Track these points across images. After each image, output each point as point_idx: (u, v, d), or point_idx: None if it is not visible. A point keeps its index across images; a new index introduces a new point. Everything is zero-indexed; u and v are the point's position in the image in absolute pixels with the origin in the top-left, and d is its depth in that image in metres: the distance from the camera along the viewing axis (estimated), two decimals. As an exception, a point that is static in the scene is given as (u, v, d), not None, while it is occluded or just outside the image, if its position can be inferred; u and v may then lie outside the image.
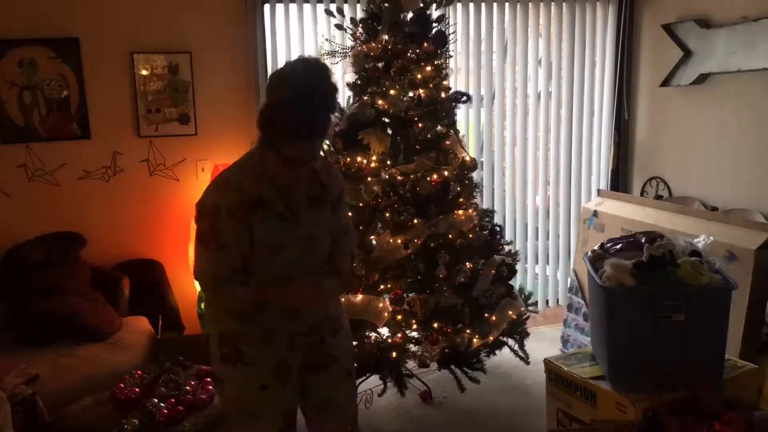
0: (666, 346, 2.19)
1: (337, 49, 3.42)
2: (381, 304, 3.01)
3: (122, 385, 2.62)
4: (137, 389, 2.59)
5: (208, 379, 2.70)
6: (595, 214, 3.88)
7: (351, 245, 2.23)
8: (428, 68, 3.12)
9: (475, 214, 3.20)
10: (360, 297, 3.01)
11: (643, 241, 2.38)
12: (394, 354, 3.02)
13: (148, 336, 3.32)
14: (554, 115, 4.50)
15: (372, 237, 3.06)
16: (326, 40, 3.90)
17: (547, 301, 4.69)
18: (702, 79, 3.90)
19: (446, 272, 3.06)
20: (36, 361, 2.85)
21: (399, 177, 3.07)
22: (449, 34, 3.28)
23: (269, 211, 1.88)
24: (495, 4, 4.26)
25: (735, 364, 2.38)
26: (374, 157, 3.07)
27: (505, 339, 3.31)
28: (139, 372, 2.75)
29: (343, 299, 3.00)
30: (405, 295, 3.07)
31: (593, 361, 2.45)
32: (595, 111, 4.62)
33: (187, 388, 2.63)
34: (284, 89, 1.79)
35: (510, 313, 3.16)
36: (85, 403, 2.56)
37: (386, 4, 3.15)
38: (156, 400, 2.51)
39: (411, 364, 3.13)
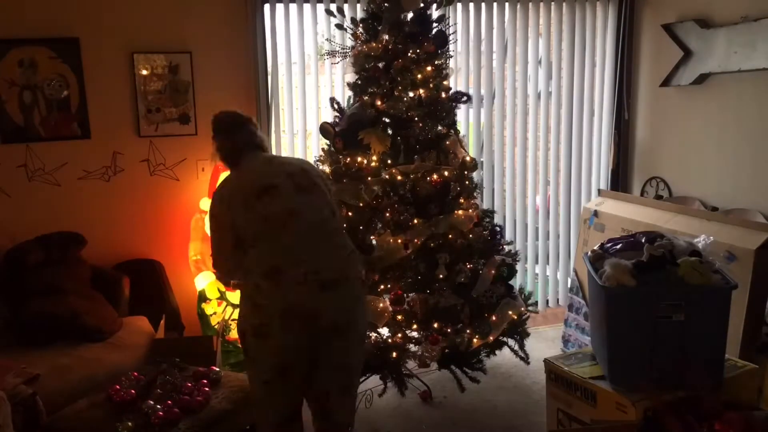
0: (666, 346, 2.19)
1: (337, 49, 3.42)
2: (381, 304, 3.01)
3: (118, 387, 2.58)
4: (133, 391, 2.55)
5: (205, 381, 2.68)
6: (596, 214, 3.88)
7: None
8: (428, 68, 3.12)
9: (475, 214, 3.20)
10: (360, 297, 3.01)
11: (643, 241, 2.39)
12: (394, 354, 3.02)
13: (148, 336, 3.32)
14: (554, 115, 4.49)
15: (372, 237, 3.06)
16: (326, 40, 3.90)
17: (547, 301, 4.69)
18: (702, 79, 3.89)
19: (446, 272, 3.06)
20: (36, 361, 2.84)
21: (399, 177, 3.07)
22: (449, 34, 3.28)
23: None
24: (495, 4, 4.26)
25: (735, 364, 2.38)
26: (374, 157, 3.07)
27: (505, 339, 3.31)
28: (135, 374, 2.72)
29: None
30: (405, 295, 3.07)
31: (593, 361, 2.45)
32: (595, 111, 4.62)
33: (184, 390, 2.59)
34: None
35: (510, 313, 3.16)
36: (79, 406, 2.53)
37: (386, 4, 3.15)
38: (152, 402, 2.46)
39: (411, 364, 3.13)
